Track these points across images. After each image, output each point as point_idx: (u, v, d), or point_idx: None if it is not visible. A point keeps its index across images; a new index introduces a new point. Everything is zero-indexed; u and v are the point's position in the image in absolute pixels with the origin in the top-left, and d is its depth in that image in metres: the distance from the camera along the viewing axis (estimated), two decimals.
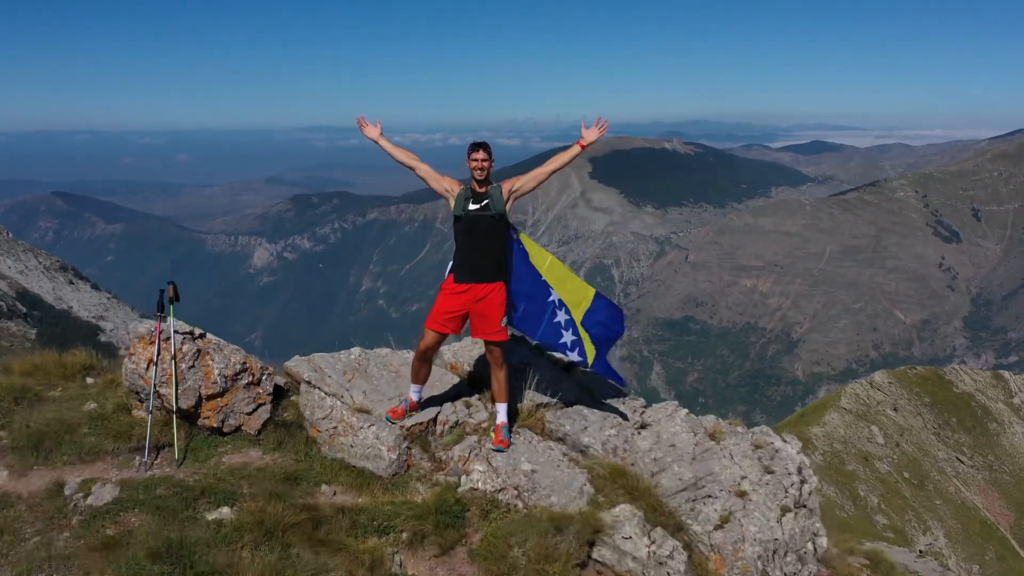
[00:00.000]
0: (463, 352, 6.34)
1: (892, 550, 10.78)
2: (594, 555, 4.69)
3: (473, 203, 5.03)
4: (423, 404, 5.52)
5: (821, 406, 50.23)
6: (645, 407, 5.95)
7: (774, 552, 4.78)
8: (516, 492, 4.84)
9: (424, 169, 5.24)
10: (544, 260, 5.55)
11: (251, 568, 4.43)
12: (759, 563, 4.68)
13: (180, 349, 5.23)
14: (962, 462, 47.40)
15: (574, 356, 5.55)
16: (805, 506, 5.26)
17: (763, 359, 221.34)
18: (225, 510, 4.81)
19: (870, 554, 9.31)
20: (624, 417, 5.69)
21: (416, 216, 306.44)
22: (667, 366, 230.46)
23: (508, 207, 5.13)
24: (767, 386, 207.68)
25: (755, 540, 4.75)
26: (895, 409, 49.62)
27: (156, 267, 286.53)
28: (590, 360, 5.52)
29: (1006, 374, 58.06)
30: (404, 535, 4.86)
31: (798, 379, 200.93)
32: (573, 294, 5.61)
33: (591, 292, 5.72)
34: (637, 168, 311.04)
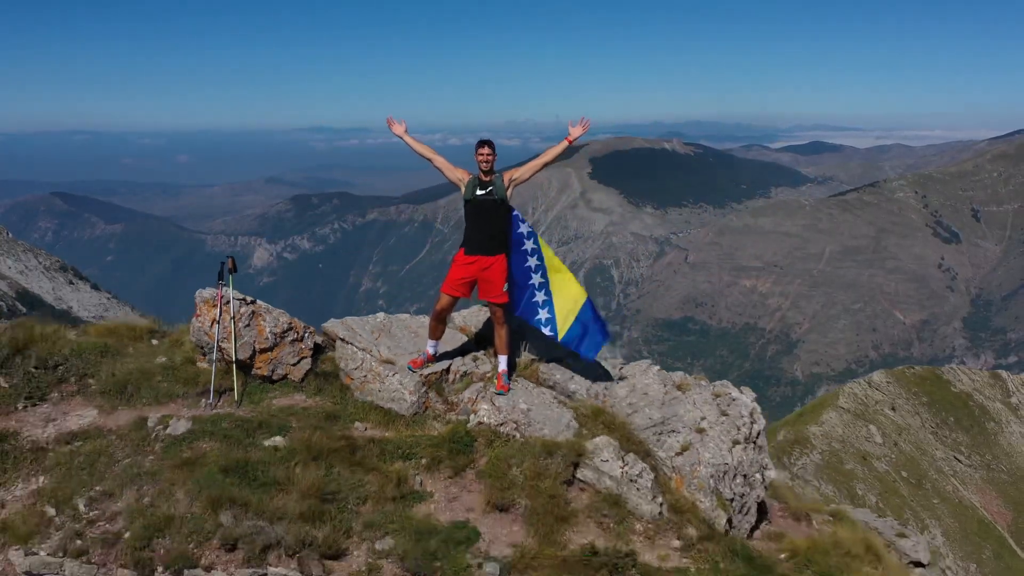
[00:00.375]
0: (471, 317, 7.48)
1: (856, 511, 11.83)
2: (578, 475, 5.83)
3: (480, 190, 6.20)
4: (438, 358, 6.69)
5: (819, 405, 49.56)
6: (624, 364, 7.08)
7: (724, 473, 5.90)
8: (515, 425, 5.97)
9: (440, 161, 6.41)
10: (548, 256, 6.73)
11: (302, 480, 5.60)
12: (711, 481, 5.80)
13: (238, 311, 6.37)
14: (960, 461, 47.15)
15: (547, 331, 6.71)
16: (754, 443, 6.38)
17: (762, 360, 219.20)
18: (279, 439, 5.97)
19: (834, 512, 10.37)
20: (605, 371, 6.82)
21: (416, 216, 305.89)
22: (666, 366, 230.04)
23: (509, 193, 6.32)
24: (766, 387, 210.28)
25: (709, 464, 5.87)
26: (893, 408, 49.15)
27: (156, 267, 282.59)
28: (560, 336, 6.66)
29: (1004, 374, 57.65)
30: (424, 460, 6.01)
31: (798, 379, 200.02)
32: (566, 293, 6.73)
33: (583, 298, 6.81)
34: (637, 168, 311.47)
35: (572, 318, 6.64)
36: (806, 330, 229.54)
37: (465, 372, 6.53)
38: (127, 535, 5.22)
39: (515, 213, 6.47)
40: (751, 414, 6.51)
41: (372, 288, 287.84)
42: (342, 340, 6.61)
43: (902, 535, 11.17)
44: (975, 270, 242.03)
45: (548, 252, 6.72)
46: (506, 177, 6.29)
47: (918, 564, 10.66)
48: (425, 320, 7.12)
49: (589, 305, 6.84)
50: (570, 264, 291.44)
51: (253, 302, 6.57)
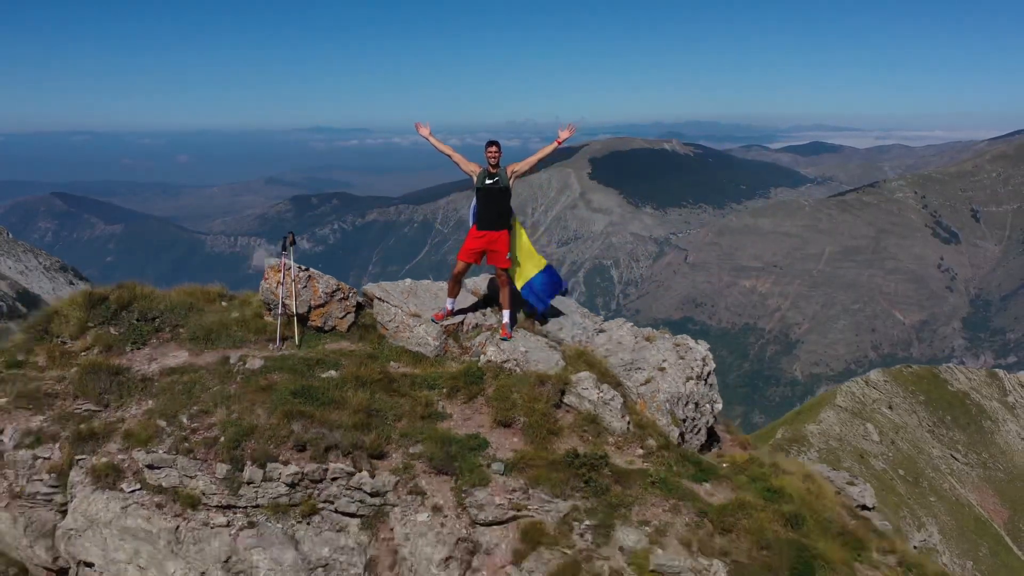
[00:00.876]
0: (481, 283, 9.25)
1: (813, 465, 13.56)
2: (564, 400, 7.57)
3: (488, 179, 7.98)
4: (455, 313, 8.44)
5: (817, 404, 49.36)
6: (603, 320, 8.82)
7: (678, 400, 7.62)
8: (516, 362, 7.72)
9: (458, 157, 8.18)
10: (518, 237, 8.51)
11: (353, 401, 7.37)
12: (667, 405, 7.52)
13: (297, 275, 8.11)
14: (957, 459, 47.31)
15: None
16: (705, 380, 8.10)
17: (762, 360, 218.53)
18: (332, 372, 7.72)
19: (792, 462, 12.10)
20: (588, 324, 8.55)
21: (415, 217, 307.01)
22: None
23: (511, 183, 8.08)
24: (766, 387, 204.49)
25: (666, 392, 7.59)
26: (890, 407, 48.89)
27: (155, 268, 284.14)
28: (519, 286, 8.49)
29: (1001, 373, 57.46)
30: (444, 389, 7.76)
31: (797, 380, 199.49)
32: (524, 266, 8.53)
33: (541, 265, 8.58)
34: (636, 169, 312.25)
35: (523, 282, 8.45)
36: (806, 330, 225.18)
37: (476, 324, 8.28)
38: (222, 439, 6.97)
39: (516, 229, 8.30)
40: (703, 360, 8.24)
41: None
42: (378, 299, 8.36)
43: (851, 483, 12.92)
44: (974, 270, 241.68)
45: (522, 235, 8.51)
46: (509, 170, 8.09)
47: (864, 507, 12.37)
48: (443, 285, 8.88)
49: (542, 275, 8.58)
50: (569, 264, 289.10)
51: (307, 269, 8.33)
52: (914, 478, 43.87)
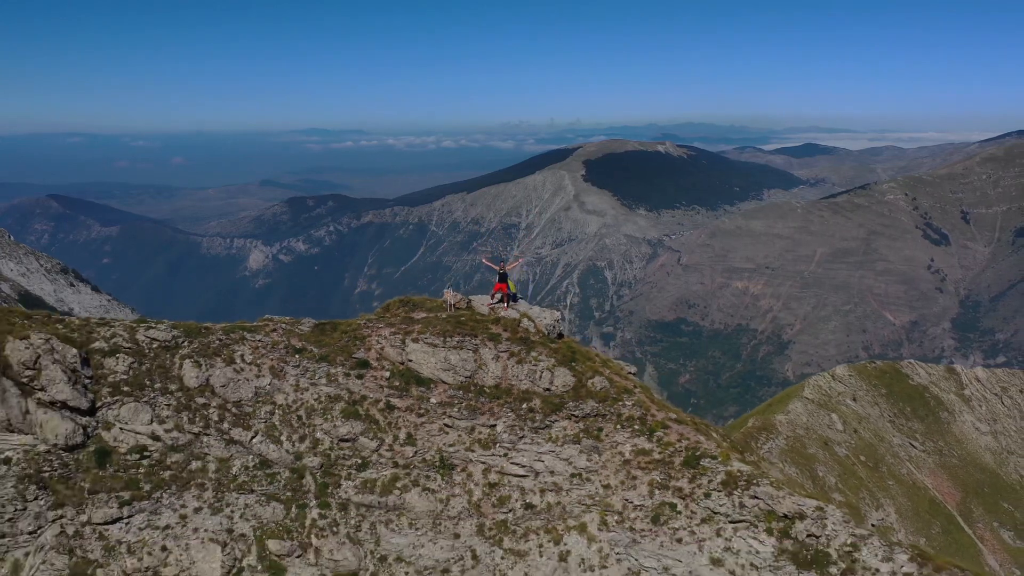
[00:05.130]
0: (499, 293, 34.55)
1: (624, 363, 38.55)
2: (520, 325, 32.94)
3: (500, 272, 33.44)
4: (493, 303, 33.97)
5: (786, 396, 56.40)
6: (532, 303, 34.24)
7: (548, 325, 32.89)
8: (507, 316, 33.23)
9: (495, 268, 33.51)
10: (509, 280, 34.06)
11: (468, 322, 32.89)
12: (546, 326, 32.83)
13: (454, 294, 33.53)
14: (915, 447, 53.11)
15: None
16: (558, 321, 33.35)
17: (754, 360, 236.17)
18: (463, 317, 33.11)
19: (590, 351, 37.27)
20: (527, 305, 34.01)
21: (411, 219, 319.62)
22: (660, 367, 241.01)
23: (508, 270, 33.45)
24: (758, 387, 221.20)
25: (545, 323, 33.05)
26: (854, 399, 55.14)
27: (152, 269, 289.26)
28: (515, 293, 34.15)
29: (958, 368, 67.38)
30: (491, 322, 33.26)
31: (789, 380, 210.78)
32: (512, 287, 34.11)
33: (515, 288, 34.23)
34: (630, 171, 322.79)
35: (515, 290, 34.01)
36: (797, 331, 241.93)
37: (498, 305, 33.67)
38: (439, 330, 32.14)
39: (509, 279, 33.72)
40: (558, 317, 33.50)
41: (367, 290, 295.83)
42: (471, 299, 33.79)
43: (630, 368, 38.19)
44: (964, 271, 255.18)
45: (510, 282, 33.90)
46: (509, 267, 33.47)
47: (632, 373, 37.49)
48: (487, 298, 34.28)
49: (517, 293, 34.22)
50: (563, 265, 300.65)
51: (457, 294, 33.65)
52: (874, 463, 47.72)
